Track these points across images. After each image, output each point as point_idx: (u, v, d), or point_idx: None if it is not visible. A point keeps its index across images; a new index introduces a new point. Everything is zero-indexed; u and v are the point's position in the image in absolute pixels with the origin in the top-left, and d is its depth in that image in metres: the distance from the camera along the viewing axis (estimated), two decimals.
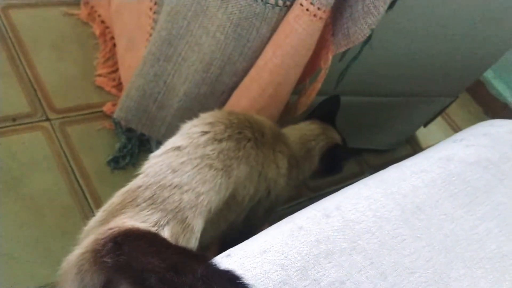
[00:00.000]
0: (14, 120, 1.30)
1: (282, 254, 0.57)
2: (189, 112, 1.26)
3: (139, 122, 1.34)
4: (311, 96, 1.16)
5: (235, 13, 1.05)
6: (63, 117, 1.35)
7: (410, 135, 1.87)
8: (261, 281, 0.53)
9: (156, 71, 1.23)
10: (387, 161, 1.76)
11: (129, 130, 1.38)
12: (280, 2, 1.03)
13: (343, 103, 1.24)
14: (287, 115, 1.23)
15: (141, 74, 1.25)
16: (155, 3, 1.26)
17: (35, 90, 1.37)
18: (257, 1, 1.03)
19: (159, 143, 1.38)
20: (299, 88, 1.21)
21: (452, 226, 0.69)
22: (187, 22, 1.14)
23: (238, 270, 0.55)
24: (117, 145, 1.37)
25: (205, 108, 1.24)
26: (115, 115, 1.35)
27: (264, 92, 1.14)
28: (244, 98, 1.16)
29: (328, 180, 1.56)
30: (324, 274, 0.56)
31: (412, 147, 1.89)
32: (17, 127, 1.29)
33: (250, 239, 0.63)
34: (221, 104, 1.24)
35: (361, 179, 0.79)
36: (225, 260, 0.59)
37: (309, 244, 0.60)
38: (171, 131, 1.31)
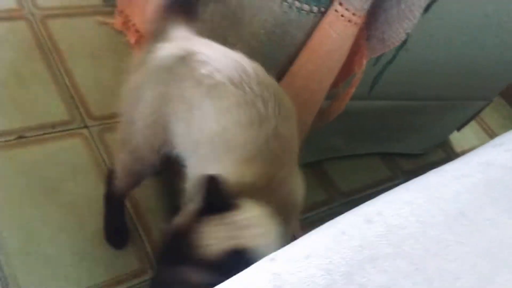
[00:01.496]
0: (53, 127, 1.34)
1: (326, 258, 0.58)
2: None
3: None
4: (345, 101, 1.16)
5: (270, 21, 1.06)
6: (100, 124, 1.39)
7: (443, 139, 1.84)
8: (307, 285, 0.54)
9: None
10: (420, 165, 1.76)
11: None
12: (315, 9, 1.03)
13: (377, 107, 1.23)
14: (319, 121, 1.24)
15: None
16: None
17: (73, 98, 1.41)
18: (291, 8, 1.04)
19: None
20: (332, 93, 1.21)
21: (496, 231, 0.68)
22: (223, 31, 1.15)
23: (283, 274, 0.56)
24: None
25: None
26: None
27: (297, 97, 1.14)
28: None
29: (361, 185, 1.56)
30: (370, 279, 0.56)
31: (445, 151, 1.86)
32: (57, 134, 1.33)
33: (292, 243, 0.64)
34: None
35: (394, 183, 0.79)
36: (269, 264, 0.59)
37: (353, 249, 0.60)
38: None
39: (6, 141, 1.25)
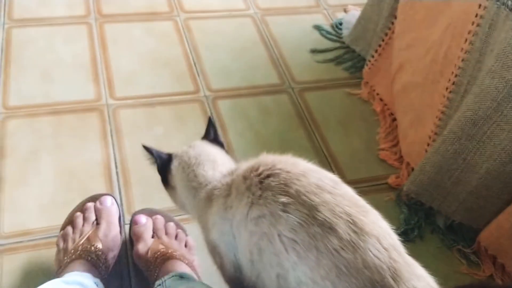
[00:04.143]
0: None
1: None
2: (488, 190, 1.26)
3: (430, 196, 1.38)
4: None
5: None
6: (354, 188, 1.47)
7: None
8: None
9: (456, 149, 1.27)
10: None
11: (415, 203, 1.43)
12: None
13: None
14: None
15: (438, 152, 1.30)
16: (453, 83, 1.32)
17: (329, 163, 1.54)
18: None
19: (447, 218, 1.40)
20: None
21: None
22: (497, 104, 1.15)
23: None
24: (401, 217, 1.43)
25: (507, 186, 1.22)
26: (405, 188, 1.42)
27: None
28: None
29: None
30: None
31: None
32: None
33: None
34: None
35: None
36: None
37: None
38: (464, 207, 1.33)
39: None
